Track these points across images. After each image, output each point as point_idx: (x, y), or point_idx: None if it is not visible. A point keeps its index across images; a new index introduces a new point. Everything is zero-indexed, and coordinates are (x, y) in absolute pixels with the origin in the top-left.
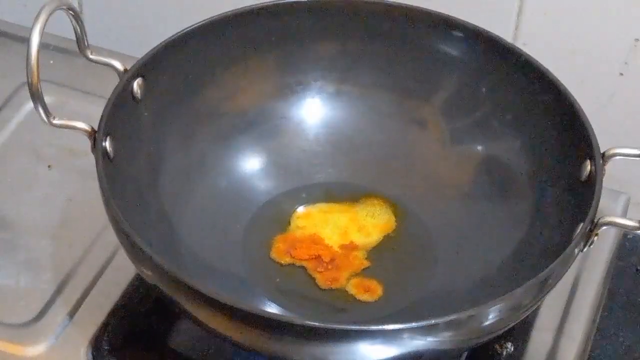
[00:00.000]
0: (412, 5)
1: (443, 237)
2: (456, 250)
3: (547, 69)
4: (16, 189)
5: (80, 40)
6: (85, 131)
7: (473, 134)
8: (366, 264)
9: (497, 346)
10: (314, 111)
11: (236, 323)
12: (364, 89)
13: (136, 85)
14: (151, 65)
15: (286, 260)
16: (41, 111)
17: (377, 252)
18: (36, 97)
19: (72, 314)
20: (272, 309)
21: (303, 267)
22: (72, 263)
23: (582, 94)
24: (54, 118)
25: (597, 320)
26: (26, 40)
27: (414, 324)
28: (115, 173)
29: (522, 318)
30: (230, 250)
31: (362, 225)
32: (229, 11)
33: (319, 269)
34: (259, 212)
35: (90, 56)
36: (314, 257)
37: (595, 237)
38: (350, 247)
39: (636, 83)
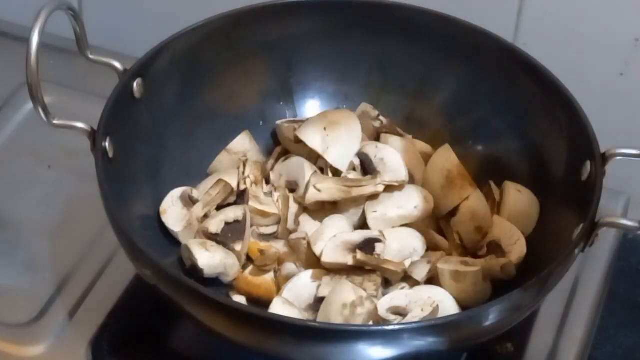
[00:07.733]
0: (412, 5)
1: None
2: None
3: (547, 69)
4: (16, 189)
5: (80, 40)
6: (85, 131)
7: (473, 134)
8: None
9: (497, 346)
10: (314, 111)
11: (236, 323)
12: (364, 89)
13: (136, 85)
14: (151, 65)
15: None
16: (41, 111)
17: None
18: (36, 97)
19: (72, 314)
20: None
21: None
22: (72, 263)
23: (582, 94)
24: (54, 118)
25: (597, 320)
26: (26, 40)
27: (414, 324)
28: (115, 173)
29: (523, 318)
30: None
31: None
32: (229, 11)
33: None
34: None
35: (90, 56)
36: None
37: (596, 238)
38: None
39: (636, 83)
